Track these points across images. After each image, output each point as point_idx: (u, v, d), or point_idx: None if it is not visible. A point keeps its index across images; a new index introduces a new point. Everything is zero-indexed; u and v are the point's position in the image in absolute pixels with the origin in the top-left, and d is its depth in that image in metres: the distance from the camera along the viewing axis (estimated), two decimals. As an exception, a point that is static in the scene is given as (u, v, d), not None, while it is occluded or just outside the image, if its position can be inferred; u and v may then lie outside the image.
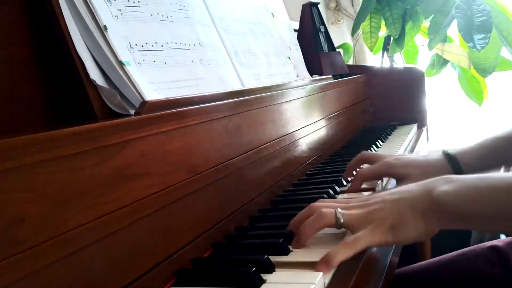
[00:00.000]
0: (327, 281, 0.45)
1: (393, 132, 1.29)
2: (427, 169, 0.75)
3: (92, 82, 0.52)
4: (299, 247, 0.52)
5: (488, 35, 1.38)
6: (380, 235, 0.50)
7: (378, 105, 1.47)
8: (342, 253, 0.48)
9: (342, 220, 0.51)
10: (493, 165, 0.77)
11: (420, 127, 1.39)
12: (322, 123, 1.03)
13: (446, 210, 0.50)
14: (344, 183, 0.79)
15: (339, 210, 0.52)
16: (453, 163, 0.74)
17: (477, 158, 0.75)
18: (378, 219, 0.50)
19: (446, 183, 0.51)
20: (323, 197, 0.69)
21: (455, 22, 1.49)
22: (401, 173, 0.74)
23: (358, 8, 1.92)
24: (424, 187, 0.52)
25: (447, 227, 0.50)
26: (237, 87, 0.77)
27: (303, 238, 0.52)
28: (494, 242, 0.75)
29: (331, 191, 0.72)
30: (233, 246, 0.57)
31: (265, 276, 0.46)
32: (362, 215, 0.51)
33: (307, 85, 0.98)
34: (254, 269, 0.45)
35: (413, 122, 1.39)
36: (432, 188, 0.51)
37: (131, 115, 0.50)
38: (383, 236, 0.50)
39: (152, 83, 0.58)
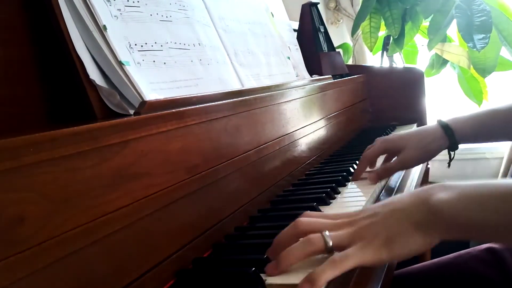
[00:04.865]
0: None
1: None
2: (423, 138, 0.79)
3: (91, 82, 0.52)
4: (276, 274, 0.46)
5: (488, 35, 1.38)
6: (372, 253, 0.45)
7: (378, 105, 1.47)
8: (329, 272, 0.43)
9: (331, 244, 0.46)
10: (487, 137, 0.80)
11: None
12: (322, 123, 1.03)
13: (446, 220, 0.45)
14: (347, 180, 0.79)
15: (326, 233, 0.46)
16: (448, 132, 0.78)
17: (471, 129, 0.78)
18: (370, 235, 0.46)
19: (443, 190, 0.46)
20: (322, 197, 0.69)
21: (454, 22, 1.49)
22: (399, 144, 0.78)
23: (357, 8, 1.92)
24: (418, 196, 0.47)
25: (448, 238, 0.45)
26: (236, 87, 0.77)
27: (285, 264, 0.46)
28: (491, 244, 0.75)
29: (330, 191, 0.72)
30: (233, 246, 0.57)
31: (264, 276, 0.46)
32: (352, 233, 0.47)
33: (306, 85, 0.98)
34: (253, 269, 0.45)
35: (413, 122, 1.39)
36: (428, 196, 0.46)
37: (131, 115, 0.50)
38: (376, 254, 0.45)
39: (152, 83, 0.58)
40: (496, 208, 0.43)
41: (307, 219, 0.49)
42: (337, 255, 0.45)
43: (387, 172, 0.80)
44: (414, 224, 0.45)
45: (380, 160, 0.85)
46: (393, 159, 0.82)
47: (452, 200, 0.45)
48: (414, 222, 0.45)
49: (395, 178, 0.84)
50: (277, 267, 0.46)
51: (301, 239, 0.47)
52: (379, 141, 0.82)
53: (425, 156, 0.79)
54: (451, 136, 0.78)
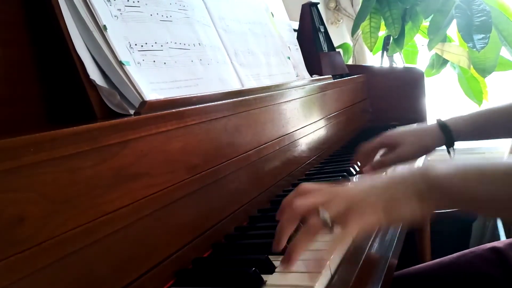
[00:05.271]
0: (326, 282, 0.45)
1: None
2: (420, 135, 0.81)
3: (91, 82, 0.52)
4: (289, 267, 0.46)
5: (488, 35, 1.38)
6: (372, 217, 0.46)
7: (378, 105, 1.47)
8: (334, 248, 0.47)
9: (329, 221, 0.46)
10: (482, 135, 0.82)
11: (419, 127, 1.39)
12: (322, 123, 1.03)
13: (447, 190, 0.46)
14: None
15: (325, 215, 0.46)
16: (445, 130, 0.80)
17: (468, 127, 0.80)
18: (367, 204, 0.47)
19: (443, 164, 0.48)
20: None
21: (454, 22, 1.49)
22: (396, 140, 0.80)
23: (357, 8, 1.92)
24: (418, 169, 0.49)
25: (445, 208, 0.48)
26: (236, 87, 0.77)
27: (295, 255, 0.46)
28: (495, 244, 0.75)
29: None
30: (233, 246, 0.57)
31: (265, 277, 0.46)
32: (349, 204, 0.47)
33: (306, 85, 0.98)
34: (253, 269, 0.45)
35: (413, 122, 1.38)
36: (429, 168, 0.48)
37: (131, 115, 0.50)
38: (375, 217, 0.46)
39: (152, 83, 0.58)
40: (498, 182, 0.45)
41: (301, 201, 0.49)
42: (338, 233, 0.46)
43: (381, 165, 0.80)
44: (411, 192, 0.47)
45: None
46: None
47: (450, 171, 0.47)
48: (412, 189, 0.47)
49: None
50: (289, 260, 0.46)
51: (301, 229, 0.47)
52: (378, 136, 0.83)
53: (421, 150, 0.81)
54: (448, 133, 0.80)
